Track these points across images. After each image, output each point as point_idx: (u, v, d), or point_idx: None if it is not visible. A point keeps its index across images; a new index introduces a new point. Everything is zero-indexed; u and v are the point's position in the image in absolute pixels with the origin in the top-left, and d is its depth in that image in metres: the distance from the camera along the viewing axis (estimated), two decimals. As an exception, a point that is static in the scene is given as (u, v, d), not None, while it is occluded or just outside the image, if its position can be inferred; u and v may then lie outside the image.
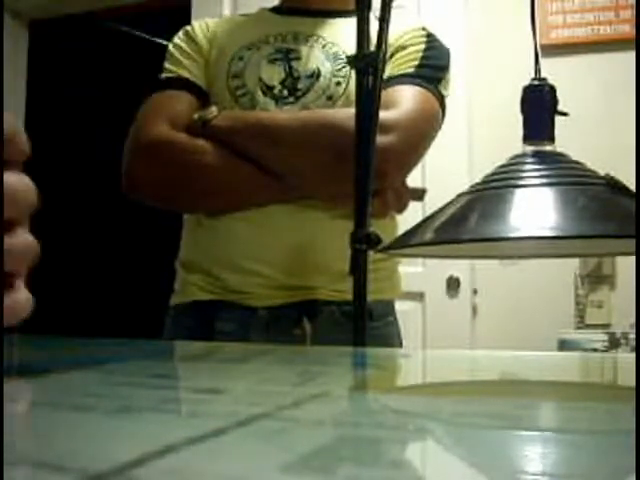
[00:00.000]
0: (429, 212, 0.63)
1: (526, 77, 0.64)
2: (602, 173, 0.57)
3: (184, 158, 0.89)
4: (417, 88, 0.91)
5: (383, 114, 0.81)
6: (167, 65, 0.99)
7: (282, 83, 0.94)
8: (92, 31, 3.22)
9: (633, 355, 1.24)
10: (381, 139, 0.81)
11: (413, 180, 0.96)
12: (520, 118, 0.63)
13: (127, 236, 3.22)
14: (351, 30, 0.80)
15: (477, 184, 0.60)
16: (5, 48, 2.49)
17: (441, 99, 0.94)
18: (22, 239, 0.36)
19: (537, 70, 0.64)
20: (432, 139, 0.94)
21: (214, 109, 0.91)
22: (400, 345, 1.01)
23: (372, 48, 0.78)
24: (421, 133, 0.90)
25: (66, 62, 3.33)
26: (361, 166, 0.75)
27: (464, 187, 0.62)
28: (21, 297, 0.36)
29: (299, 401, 0.25)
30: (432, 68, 0.95)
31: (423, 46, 0.96)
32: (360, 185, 0.75)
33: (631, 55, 2.07)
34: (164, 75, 0.98)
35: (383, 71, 0.79)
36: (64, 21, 2.90)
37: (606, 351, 1.88)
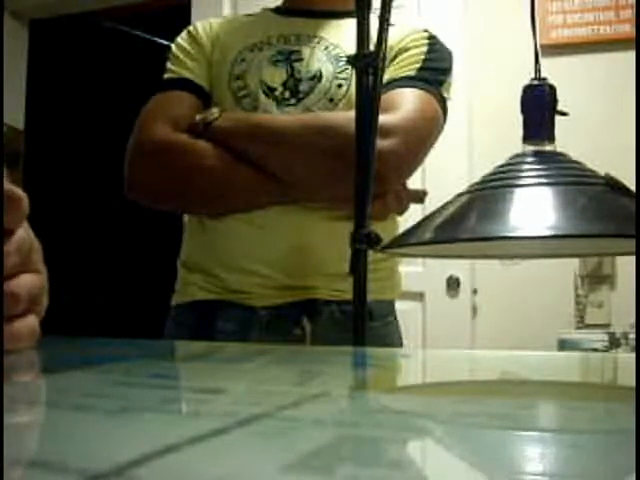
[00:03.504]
0: (429, 212, 0.63)
1: (526, 77, 0.64)
2: (602, 173, 0.57)
3: (185, 159, 0.89)
4: (419, 91, 0.91)
5: (384, 117, 0.81)
6: (169, 66, 0.99)
7: (284, 85, 0.94)
8: (92, 31, 3.22)
9: (633, 355, 1.24)
10: (382, 142, 0.81)
11: (413, 180, 0.96)
12: (520, 118, 0.63)
13: (128, 236, 3.21)
14: (354, 32, 0.80)
15: (477, 184, 0.60)
16: (5, 48, 2.49)
17: (443, 102, 0.94)
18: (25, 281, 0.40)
19: (537, 70, 0.64)
20: (433, 142, 0.93)
21: (216, 110, 0.91)
22: (400, 345, 1.01)
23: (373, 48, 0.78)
24: (422, 136, 0.90)
25: (66, 62, 3.33)
26: (361, 167, 0.75)
27: (464, 187, 0.62)
28: (25, 325, 0.40)
29: (299, 401, 0.25)
30: (434, 71, 0.95)
31: (425, 49, 0.96)
32: (360, 186, 0.75)
33: (631, 55, 2.07)
34: (166, 76, 0.98)
35: (383, 71, 0.79)
36: (64, 21, 2.90)
37: (606, 351, 1.88)
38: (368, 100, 0.76)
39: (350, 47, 0.85)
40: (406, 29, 0.98)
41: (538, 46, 0.64)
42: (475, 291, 2.15)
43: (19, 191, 0.39)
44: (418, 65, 0.94)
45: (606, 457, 0.18)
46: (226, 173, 0.88)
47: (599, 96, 2.12)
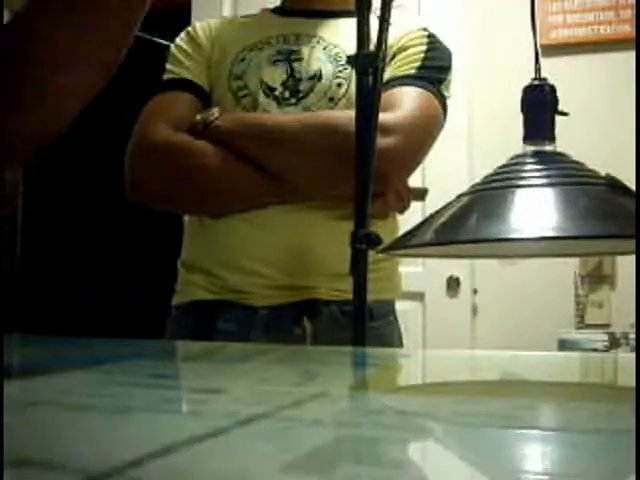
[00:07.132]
0: (429, 212, 0.63)
1: (526, 77, 0.64)
2: (602, 173, 0.57)
3: (186, 160, 0.89)
4: (419, 89, 0.91)
5: (384, 116, 0.81)
6: (169, 66, 0.99)
7: (284, 84, 0.94)
8: (92, 31, 3.21)
9: (633, 355, 1.24)
10: (383, 141, 0.81)
11: (413, 180, 0.96)
12: (520, 118, 0.63)
13: (129, 237, 3.21)
14: (353, 31, 0.80)
15: (477, 184, 0.60)
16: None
17: (443, 100, 0.94)
18: None
19: (537, 70, 0.64)
20: (434, 141, 0.93)
21: (216, 111, 0.91)
22: (400, 345, 1.00)
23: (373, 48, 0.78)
24: (423, 135, 0.90)
25: (66, 62, 3.32)
26: (361, 166, 0.75)
27: (464, 187, 0.62)
28: None
29: (299, 401, 0.25)
30: (433, 69, 0.95)
31: (424, 47, 0.96)
32: (360, 185, 0.75)
33: (631, 55, 2.07)
34: (166, 76, 0.98)
35: (383, 71, 0.79)
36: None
37: (606, 351, 1.88)
38: (368, 100, 0.76)
39: (349, 47, 0.85)
40: (405, 28, 0.98)
41: (538, 46, 0.64)
42: (475, 291, 2.15)
43: None
44: (418, 64, 0.94)
45: (606, 457, 0.18)
46: (227, 173, 0.88)
47: (599, 96, 2.12)
